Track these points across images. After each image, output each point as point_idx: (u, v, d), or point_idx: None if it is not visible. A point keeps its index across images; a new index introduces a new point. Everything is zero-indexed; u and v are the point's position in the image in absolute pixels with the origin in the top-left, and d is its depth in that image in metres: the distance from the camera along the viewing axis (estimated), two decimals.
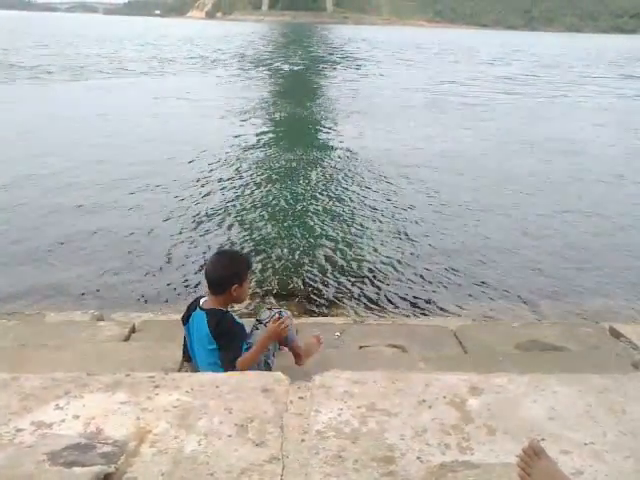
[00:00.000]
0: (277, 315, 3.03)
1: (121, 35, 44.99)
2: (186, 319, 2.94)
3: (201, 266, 6.37)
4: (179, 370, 2.99)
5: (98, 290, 5.80)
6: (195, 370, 2.93)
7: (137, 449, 2.04)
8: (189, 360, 3.03)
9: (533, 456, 1.70)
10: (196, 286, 5.92)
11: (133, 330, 3.99)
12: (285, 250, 6.85)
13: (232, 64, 30.82)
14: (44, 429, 2.14)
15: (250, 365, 2.81)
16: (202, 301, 2.93)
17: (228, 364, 2.79)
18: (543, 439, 2.02)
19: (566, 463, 1.92)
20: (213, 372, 2.70)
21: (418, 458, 2.01)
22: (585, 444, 2.10)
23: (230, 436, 2.12)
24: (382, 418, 2.23)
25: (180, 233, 7.27)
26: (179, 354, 3.15)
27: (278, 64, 32.65)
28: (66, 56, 30.11)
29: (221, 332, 2.82)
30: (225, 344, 2.83)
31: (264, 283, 5.98)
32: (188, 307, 2.99)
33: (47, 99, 17.48)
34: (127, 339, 3.82)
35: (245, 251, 6.66)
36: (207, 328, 2.82)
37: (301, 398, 2.40)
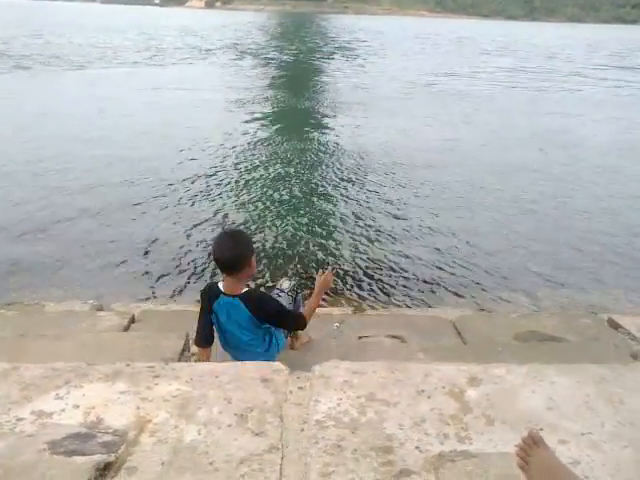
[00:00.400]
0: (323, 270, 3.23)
1: (119, 25, 44.63)
2: (209, 306, 2.94)
3: (201, 256, 6.39)
4: (179, 360, 2.99)
5: (98, 280, 5.81)
6: (206, 358, 3.00)
7: (137, 438, 2.05)
8: (206, 346, 3.03)
9: (532, 445, 1.71)
10: (197, 276, 5.94)
11: (133, 320, 4.00)
12: (283, 241, 6.85)
13: (230, 54, 30.57)
14: (44, 418, 2.15)
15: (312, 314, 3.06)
16: (221, 286, 2.91)
17: (290, 327, 3.07)
18: (541, 429, 2.03)
19: (563, 453, 1.93)
20: (251, 353, 2.89)
21: (417, 448, 2.02)
22: (583, 434, 2.11)
23: (230, 426, 2.13)
24: (381, 408, 2.24)
25: (179, 224, 7.28)
26: (179, 344, 3.16)
27: (277, 54, 32.48)
28: (62, 46, 29.85)
29: (268, 312, 2.91)
30: (280, 320, 2.97)
31: (261, 274, 5.99)
32: (207, 294, 2.97)
33: (47, 90, 17.40)
34: (127, 329, 3.83)
35: None
36: (248, 313, 2.86)
37: (300, 388, 2.41)
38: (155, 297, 5.46)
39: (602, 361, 2.75)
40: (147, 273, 6.01)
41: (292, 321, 3.05)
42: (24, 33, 37.25)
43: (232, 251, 2.81)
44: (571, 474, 1.67)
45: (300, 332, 3.38)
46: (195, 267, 6.16)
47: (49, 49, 27.73)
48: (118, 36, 37.80)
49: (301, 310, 3.21)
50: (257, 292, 3.09)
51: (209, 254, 6.44)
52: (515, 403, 2.28)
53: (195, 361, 3.13)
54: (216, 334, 3.06)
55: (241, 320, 2.90)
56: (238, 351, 3.00)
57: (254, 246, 3.02)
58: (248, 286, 3.05)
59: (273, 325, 2.99)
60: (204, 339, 3.03)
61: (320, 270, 3.26)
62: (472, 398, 2.31)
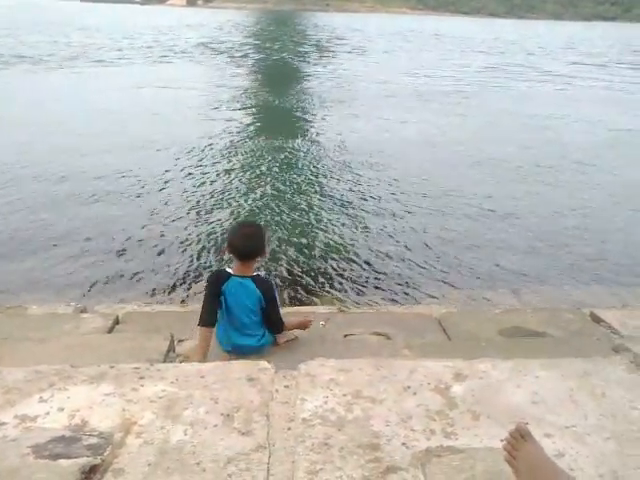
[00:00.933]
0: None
1: (97, 23, 43.94)
2: (218, 288, 3.14)
3: (185, 257, 6.36)
4: (164, 361, 2.98)
5: (81, 282, 5.75)
6: (208, 339, 3.15)
7: (123, 440, 2.04)
8: (210, 326, 3.16)
9: (519, 439, 1.73)
10: (181, 277, 5.91)
11: (117, 322, 3.96)
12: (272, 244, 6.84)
13: (209, 53, 30.15)
14: (28, 422, 2.13)
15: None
16: (230, 270, 3.17)
17: (274, 323, 3.25)
18: (527, 423, 2.05)
19: (548, 446, 1.95)
20: (249, 337, 3.15)
21: (403, 444, 2.03)
22: (567, 427, 2.13)
23: (216, 426, 2.13)
24: (367, 405, 2.25)
25: (162, 225, 7.23)
26: (164, 345, 3.14)
27: (257, 53, 32.21)
28: (37, 44, 29.36)
29: (270, 298, 3.18)
30: (272, 308, 3.22)
31: None
32: (217, 278, 3.19)
33: (19, 89, 17.14)
34: (111, 331, 3.79)
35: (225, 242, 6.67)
36: (258, 292, 3.13)
37: (287, 387, 2.42)
38: (139, 298, 5.42)
39: (585, 355, 2.78)
40: (131, 274, 5.97)
41: (278, 318, 3.30)
42: None
43: (252, 242, 3.14)
44: (557, 469, 1.70)
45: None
46: (179, 268, 6.13)
47: (24, 47, 27.22)
48: (94, 34, 37.16)
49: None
50: (266, 276, 3.35)
51: (192, 256, 6.43)
52: (500, 398, 2.31)
53: (199, 341, 3.18)
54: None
55: (249, 300, 3.14)
56: (238, 333, 3.18)
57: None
58: (258, 269, 3.31)
59: (265, 308, 3.18)
60: (210, 319, 3.16)
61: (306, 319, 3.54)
62: (458, 394, 2.33)
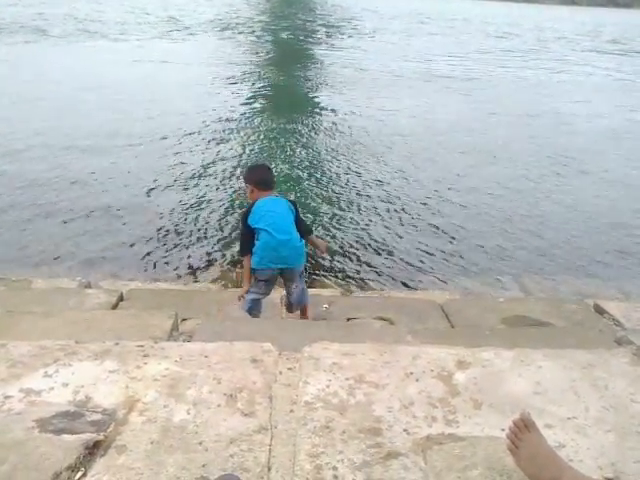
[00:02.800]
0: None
1: None
2: (248, 219, 3.55)
3: (190, 235, 6.37)
4: (168, 339, 2.99)
5: (85, 257, 5.77)
6: (248, 264, 3.62)
7: (126, 417, 2.05)
8: (249, 254, 3.59)
9: (523, 428, 1.73)
10: (185, 255, 5.92)
11: (121, 298, 3.98)
12: None
13: (217, 30, 29.73)
14: (33, 396, 2.14)
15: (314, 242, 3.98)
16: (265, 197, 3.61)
17: (305, 227, 3.81)
18: (529, 413, 2.06)
19: (549, 437, 1.95)
20: (292, 231, 3.55)
21: (405, 430, 2.04)
22: (568, 418, 2.14)
23: (219, 406, 2.14)
24: (370, 390, 2.26)
25: (167, 203, 7.22)
26: (168, 323, 3.15)
27: (265, 31, 31.78)
28: (41, 16, 28.99)
29: (297, 210, 3.71)
30: (300, 219, 3.75)
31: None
32: (246, 212, 3.60)
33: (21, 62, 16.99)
34: (115, 307, 3.81)
35: (231, 222, 6.75)
36: (287, 203, 3.66)
37: (290, 369, 2.42)
38: (143, 275, 5.43)
39: (587, 346, 2.78)
40: (136, 251, 5.98)
41: (307, 225, 3.98)
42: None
43: (271, 174, 3.81)
44: (559, 460, 1.70)
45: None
46: (184, 246, 6.13)
47: (28, 19, 26.82)
48: (96, 7, 36.50)
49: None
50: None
51: (199, 233, 6.43)
52: (502, 387, 2.31)
53: (245, 268, 3.66)
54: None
55: (281, 209, 3.59)
56: (285, 234, 3.52)
57: None
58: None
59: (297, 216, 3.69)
60: (248, 249, 3.59)
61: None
62: (460, 381, 2.34)
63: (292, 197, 7.56)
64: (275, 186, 3.83)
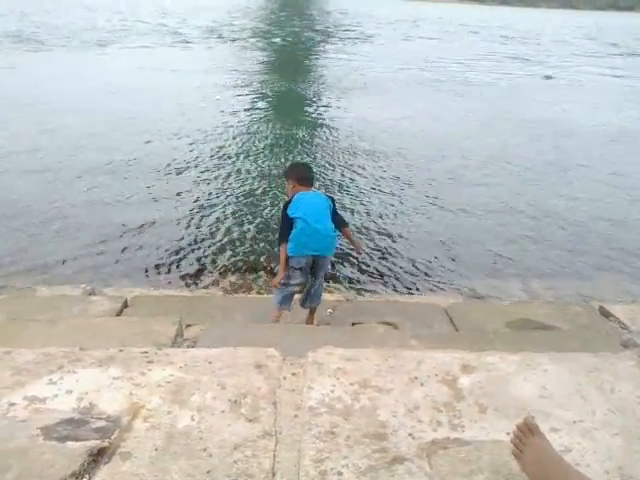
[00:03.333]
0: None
1: (94, 3, 42.88)
2: (288, 210, 3.82)
3: (193, 241, 6.37)
4: (172, 345, 2.99)
5: (89, 265, 5.78)
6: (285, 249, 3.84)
7: (130, 424, 2.05)
8: (286, 241, 3.82)
9: (527, 432, 1.72)
10: (189, 261, 5.92)
11: (125, 305, 3.99)
12: (275, 226, 6.82)
13: (217, 37, 29.65)
14: (37, 404, 2.14)
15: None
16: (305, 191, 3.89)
17: (341, 220, 4.04)
18: (533, 417, 2.04)
19: (555, 441, 1.94)
20: (328, 228, 3.82)
21: (410, 435, 2.03)
22: (574, 422, 2.12)
23: (223, 412, 2.13)
24: (374, 395, 2.25)
25: (171, 209, 7.24)
26: (172, 329, 3.16)
27: (262, 38, 31.76)
28: (38, 24, 28.96)
29: (334, 204, 3.98)
30: (338, 215, 4.02)
31: (254, 260, 5.98)
32: (287, 203, 3.86)
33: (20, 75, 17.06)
34: (119, 314, 3.82)
35: (235, 227, 6.77)
36: (328, 199, 3.93)
37: (294, 374, 2.42)
38: (148, 282, 5.44)
39: (593, 349, 2.76)
40: (140, 258, 5.99)
41: (342, 217, 4.14)
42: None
43: (311, 172, 4.13)
44: (564, 463, 1.69)
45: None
46: (187, 252, 6.14)
47: (25, 28, 26.79)
48: (93, 15, 36.42)
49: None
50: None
51: (202, 239, 6.44)
52: (508, 391, 2.29)
53: (282, 255, 3.84)
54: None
55: (320, 203, 3.86)
56: (320, 223, 3.78)
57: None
58: None
59: (336, 217, 3.95)
60: (287, 237, 3.81)
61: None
62: (465, 386, 2.32)
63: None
64: (314, 183, 4.12)
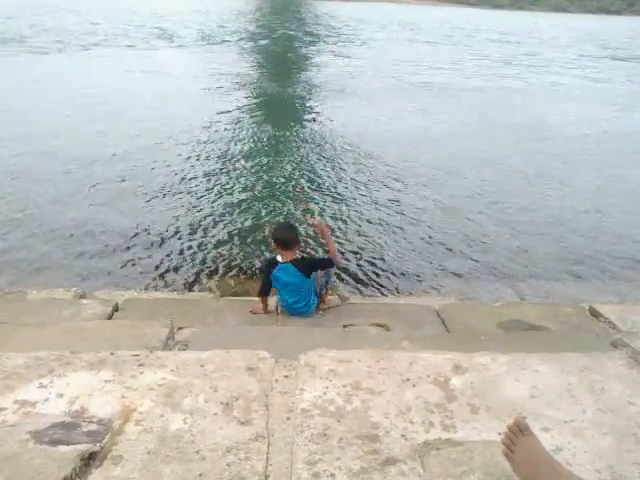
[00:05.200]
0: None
1: (87, 6, 42.64)
2: (270, 273, 4.09)
3: (183, 245, 6.36)
4: (164, 348, 2.98)
5: (80, 268, 5.75)
6: (265, 305, 4.17)
7: (122, 427, 2.04)
8: (265, 296, 4.17)
9: (518, 433, 1.73)
10: (179, 265, 5.90)
11: (116, 308, 3.97)
12: (266, 229, 6.82)
13: (207, 41, 29.55)
14: (28, 408, 2.13)
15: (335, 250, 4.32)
16: (279, 259, 4.08)
17: (325, 265, 4.21)
18: (525, 417, 2.05)
19: (546, 440, 1.95)
20: (301, 299, 4.06)
21: (402, 436, 2.04)
22: (565, 422, 2.14)
23: (215, 414, 2.13)
24: (367, 396, 2.25)
25: (161, 213, 7.21)
26: (163, 332, 3.14)
27: (257, 41, 31.76)
28: (34, 27, 28.82)
29: (309, 264, 4.15)
30: (318, 264, 4.24)
31: (246, 262, 5.98)
32: (269, 266, 4.14)
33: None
34: (110, 317, 3.80)
35: (226, 230, 6.77)
36: (298, 271, 4.03)
37: (286, 377, 2.42)
38: (139, 285, 5.41)
39: (584, 349, 2.78)
40: (130, 261, 5.96)
41: (326, 261, 4.26)
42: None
43: (291, 236, 4.15)
44: (555, 463, 1.70)
45: (330, 297, 4.41)
46: (179, 256, 6.12)
47: (12, 32, 26.59)
48: (84, 18, 36.14)
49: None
50: (301, 256, 4.30)
51: (194, 242, 6.42)
52: (499, 391, 2.31)
53: (261, 304, 4.15)
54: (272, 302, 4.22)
55: (293, 276, 4.02)
56: (293, 299, 4.08)
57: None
58: (297, 254, 4.21)
59: (317, 269, 4.14)
60: (265, 292, 4.17)
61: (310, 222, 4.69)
62: (457, 386, 2.34)
63: (284, 207, 7.58)
64: (298, 245, 4.23)
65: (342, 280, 5.74)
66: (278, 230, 4.30)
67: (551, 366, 2.51)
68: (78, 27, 30.20)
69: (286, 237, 4.15)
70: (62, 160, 8.97)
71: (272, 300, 4.26)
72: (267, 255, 5.83)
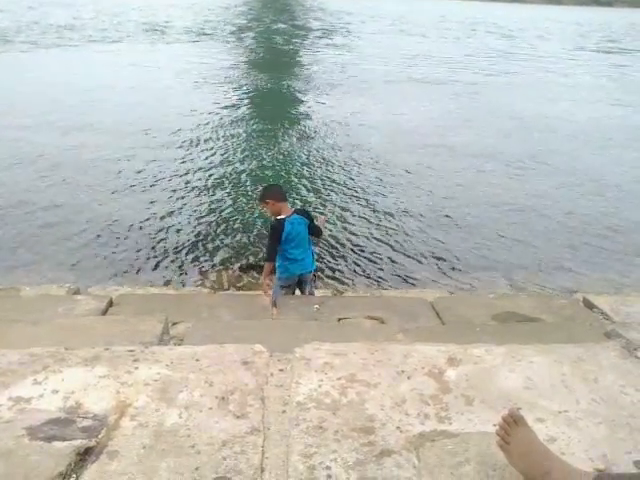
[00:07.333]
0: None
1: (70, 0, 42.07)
2: (282, 231, 4.19)
3: (178, 239, 6.35)
4: (159, 344, 2.97)
5: (74, 264, 5.74)
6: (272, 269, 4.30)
7: (117, 423, 2.04)
8: (273, 261, 4.29)
9: (512, 424, 1.74)
10: (176, 261, 5.89)
11: (111, 304, 3.95)
12: (260, 223, 6.82)
13: (198, 35, 29.28)
14: (22, 404, 2.12)
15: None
16: (283, 216, 4.21)
17: (318, 231, 4.43)
18: (519, 408, 2.07)
19: (541, 431, 1.97)
20: (307, 250, 4.33)
21: (398, 428, 2.04)
22: (559, 412, 2.15)
23: (211, 409, 2.13)
24: (362, 389, 2.26)
25: (154, 207, 7.20)
26: (158, 328, 3.14)
27: (247, 35, 31.52)
28: (24, 22, 28.49)
29: (308, 213, 4.42)
30: (312, 218, 4.41)
31: (240, 256, 5.97)
32: (277, 226, 4.20)
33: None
34: (105, 313, 3.79)
35: (220, 225, 6.80)
36: (304, 218, 4.28)
37: (281, 370, 2.42)
38: (133, 281, 5.41)
39: (578, 340, 2.79)
40: (125, 256, 5.95)
41: (318, 226, 4.45)
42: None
43: (280, 189, 4.49)
44: (550, 453, 1.71)
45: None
46: (173, 250, 6.11)
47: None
48: (69, 11, 35.72)
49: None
50: (300, 208, 4.78)
51: (187, 237, 6.41)
52: (494, 383, 2.32)
53: (267, 272, 4.27)
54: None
55: (299, 224, 4.25)
56: (302, 249, 4.29)
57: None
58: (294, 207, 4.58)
59: (311, 222, 4.35)
60: (275, 257, 4.28)
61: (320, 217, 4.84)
62: (452, 378, 2.34)
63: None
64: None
65: (335, 273, 5.75)
66: (267, 190, 4.48)
67: (545, 357, 2.52)
68: (68, 21, 29.93)
69: (278, 190, 4.44)
70: (51, 155, 8.92)
71: (267, 298, 4.22)
72: (264, 250, 5.84)
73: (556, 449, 1.86)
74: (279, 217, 4.24)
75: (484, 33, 39.75)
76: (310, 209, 7.26)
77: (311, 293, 4.55)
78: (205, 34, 29.57)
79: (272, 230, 4.31)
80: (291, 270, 4.33)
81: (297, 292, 4.52)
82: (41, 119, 11.10)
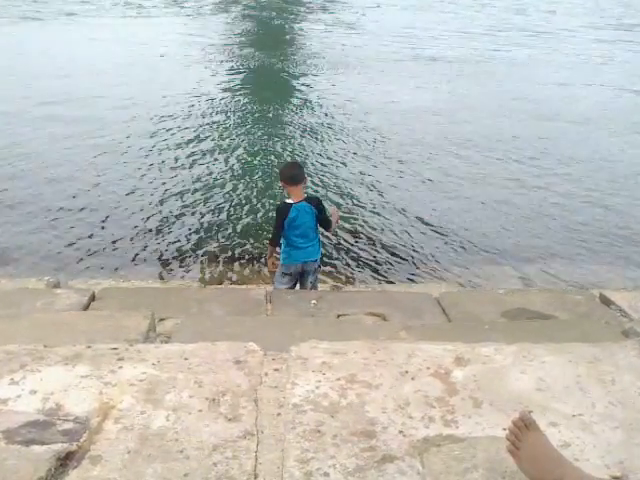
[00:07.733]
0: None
1: None
2: (286, 216, 4.29)
3: (163, 230, 6.34)
4: (144, 341, 2.97)
5: (53, 255, 5.73)
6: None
7: (101, 425, 2.04)
8: (277, 245, 4.50)
9: (523, 428, 1.74)
10: (159, 251, 5.89)
11: (93, 298, 3.95)
12: (259, 213, 6.81)
13: (193, 7, 29.22)
14: None
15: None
16: (291, 201, 4.31)
17: (327, 223, 4.52)
18: (531, 411, 2.07)
19: (554, 435, 1.97)
20: (313, 240, 4.42)
21: (400, 432, 2.05)
22: (574, 416, 2.15)
23: (201, 411, 2.13)
24: (362, 390, 2.26)
25: (140, 198, 7.18)
26: (144, 324, 3.14)
27: (242, 10, 31.27)
28: None
29: (318, 202, 4.46)
30: (323, 209, 4.48)
31: (231, 249, 5.97)
32: (282, 210, 4.33)
33: None
34: (87, 308, 3.78)
35: (210, 214, 6.79)
36: (311, 207, 4.34)
37: (276, 370, 2.42)
38: (117, 273, 5.40)
39: (593, 339, 2.80)
40: (108, 248, 5.94)
41: (328, 218, 4.53)
42: None
43: (297, 171, 4.46)
44: (562, 459, 1.71)
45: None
46: (160, 241, 6.11)
47: None
48: None
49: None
50: (313, 195, 4.77)
51: (175, 228, 6.40)
52: (504, 384, 2.32)
53: (270, 255, 4.53)
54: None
55: (306, 213, 4.32)
56: (307, 238, 4.38)
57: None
58: (307, 193, 4.55)
59: (322, 213, 4.42)
60: (278, 241, 4.46)
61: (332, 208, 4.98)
62: (458, 379, 2.35)
63: (271, 189, 7.55)
64: (305, 180, 4.51)
65: (336, 267, 5.75)
66: (284, 168, 4.62)
67: (559, 357, 2.53)
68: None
69: (292, 172, 4.47)
70: (26, 143, 8.87)
71: (261, 291, 4.23)
72: (256, 243, 5.84)
73: (570, 455, 1.87)
74: (287, 201, 4.38)
75: (493, 8, 39.44)
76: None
77: (314, 286, 4.61)
78: (188, 7, 29.30)
79: (276, 213, 4.48)
80: (294, 257, 4.43)
81: (297, 288, 4.53)
82: (11, 107, 11.01)
